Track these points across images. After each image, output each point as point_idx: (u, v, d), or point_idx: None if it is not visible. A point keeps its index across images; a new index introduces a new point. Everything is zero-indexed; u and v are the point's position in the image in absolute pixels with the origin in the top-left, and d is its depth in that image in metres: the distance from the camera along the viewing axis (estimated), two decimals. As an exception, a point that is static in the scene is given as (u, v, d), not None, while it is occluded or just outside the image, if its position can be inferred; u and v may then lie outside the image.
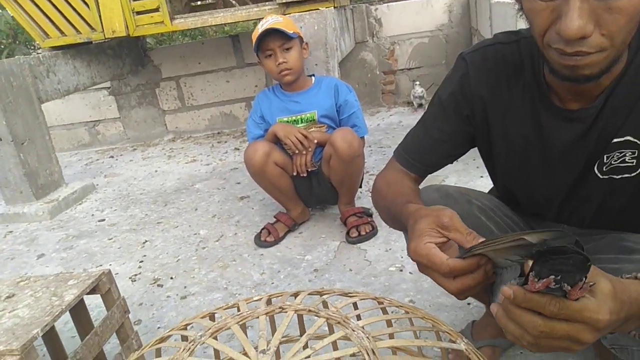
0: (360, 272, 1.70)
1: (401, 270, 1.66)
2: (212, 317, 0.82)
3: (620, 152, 0.83)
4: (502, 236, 0.56)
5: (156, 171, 3.17)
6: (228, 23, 2.83)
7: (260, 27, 1.88)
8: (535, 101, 0.87)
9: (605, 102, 0.80)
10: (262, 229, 2.03)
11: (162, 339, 0.77)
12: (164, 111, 3.87)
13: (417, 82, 3.52)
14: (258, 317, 0.70)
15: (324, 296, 0.81)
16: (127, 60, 3.48)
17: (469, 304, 1.45)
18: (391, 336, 0.65)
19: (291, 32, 1.86)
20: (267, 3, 2.58)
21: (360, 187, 2.09)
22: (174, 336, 0.86)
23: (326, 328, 0.88)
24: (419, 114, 3.48)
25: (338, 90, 1.96)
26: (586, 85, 0.76)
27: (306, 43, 2.00)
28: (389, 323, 0.75)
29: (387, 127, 3.31)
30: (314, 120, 1.96)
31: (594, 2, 0.63)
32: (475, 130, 0.97)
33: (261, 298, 0.83)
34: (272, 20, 1.90)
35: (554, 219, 1.02)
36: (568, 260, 0.45)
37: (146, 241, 2.19)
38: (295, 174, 1.94)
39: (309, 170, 1.93)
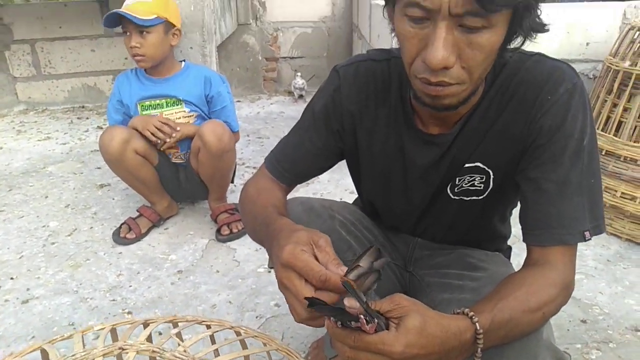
0: (227, 274, 1.65)
1: (269, 272, 1.64)
2: (44, 352, 0.72)
3: (471, 177, 0.90)
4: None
5: (1, 148, 2.77)
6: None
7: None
8: (400, 123, 0.90)
9: (461, 129, 0.86)
10: (122, 223, 1.88)
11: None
12: (15, 78, 3.38)
13: (299, 74, 3.51)
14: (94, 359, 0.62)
15: (178, 326, 0.75)
16: (-34, 15, 2.96)
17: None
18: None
19: (147, 17, 1.65)
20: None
21: (233, 181, 2.02)
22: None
23: None
24: (300, 105, 3.53)
25: (210, 81, 1.82)
26: (446, 113, 0.80)
27: (177, 29, 1.78)
28: (247, 359, 0.72)
29: (267, 117, 3.27)
30: (179, 103, 1.81)
31: (457, 36, 0.67)
32: (344, 145, 0.99)
33: (104, 327, 0.74)
34: None
35: (410, 232, 1.08)
36: (337, 312, 0.57)
37: (-18, 233, 1.91)
38: (161, 148, 1.82)
39: (179, 162, 1.80)
